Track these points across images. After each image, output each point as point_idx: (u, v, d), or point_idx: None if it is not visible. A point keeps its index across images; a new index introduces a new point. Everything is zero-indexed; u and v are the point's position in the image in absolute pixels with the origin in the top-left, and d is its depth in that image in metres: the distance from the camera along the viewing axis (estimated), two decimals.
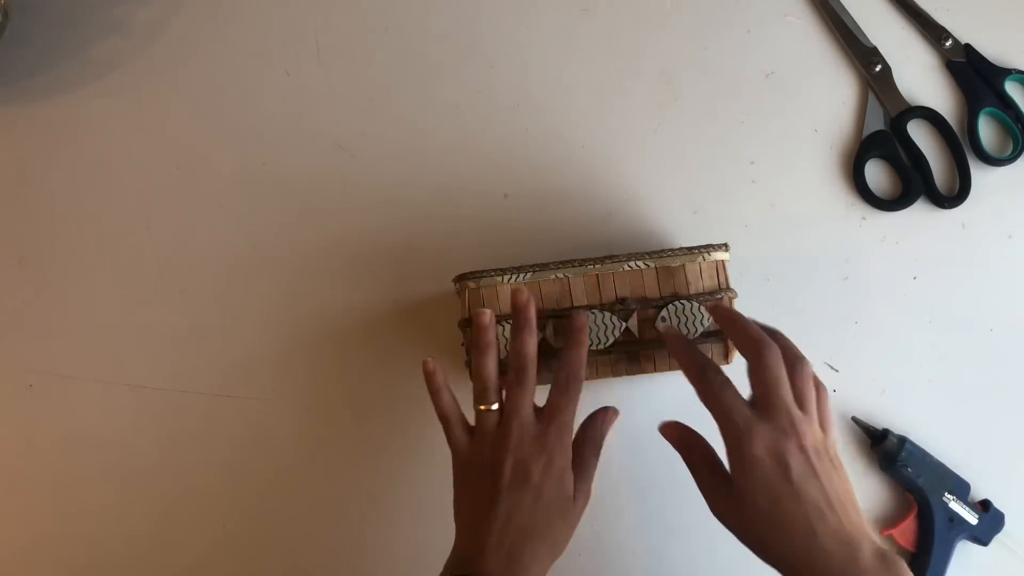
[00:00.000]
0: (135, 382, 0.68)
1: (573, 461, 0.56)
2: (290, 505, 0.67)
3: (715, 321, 0.59)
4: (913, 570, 0.63)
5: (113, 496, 0.67)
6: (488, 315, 0.59)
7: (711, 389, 0.54)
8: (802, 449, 0.51)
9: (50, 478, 0.68)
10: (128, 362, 0.68)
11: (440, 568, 0.54)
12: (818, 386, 0.55)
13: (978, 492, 0.65)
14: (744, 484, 0.51)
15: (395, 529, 0.67)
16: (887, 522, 0.65)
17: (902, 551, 0.64)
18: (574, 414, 0.57)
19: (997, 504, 0.64)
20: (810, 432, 0.52)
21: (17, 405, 0.68)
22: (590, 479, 0.57)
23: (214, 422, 0.68)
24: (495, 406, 0.57)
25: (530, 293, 0.59)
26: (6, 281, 0.70)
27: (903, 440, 0.64)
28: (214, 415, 0.68)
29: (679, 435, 0.57)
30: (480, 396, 0.58)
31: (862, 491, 0.66)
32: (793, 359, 0.54)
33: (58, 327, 0.69)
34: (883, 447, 0.64)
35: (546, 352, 0.62)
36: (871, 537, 0.51)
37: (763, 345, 0.53)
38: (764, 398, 0.52)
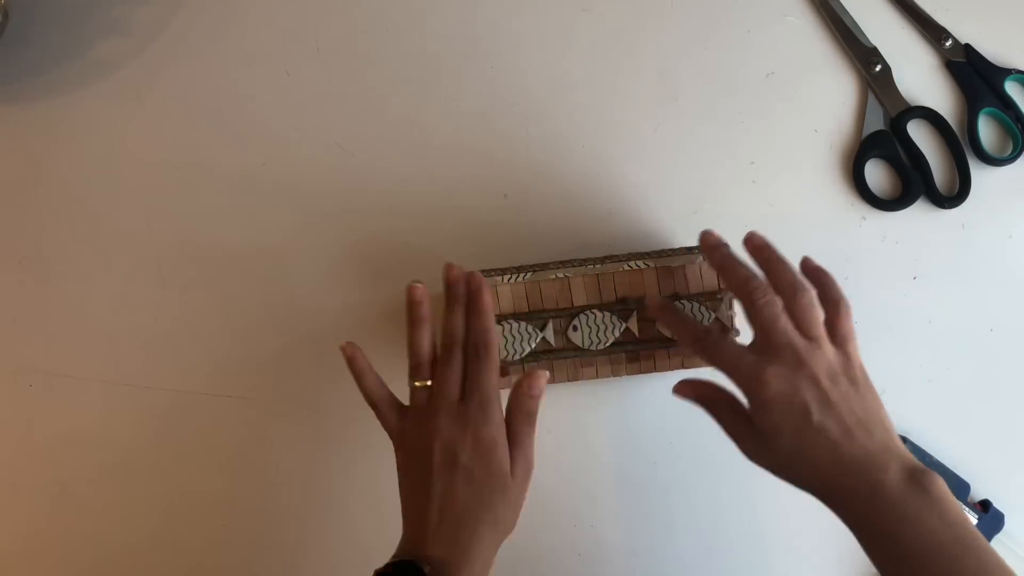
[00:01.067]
0: (135, 382, 0.68)
1: (508, 434, 0.55)
2: (290, 505, 0.67)
3: (711, 266, 0.57)
4: None
5: (113, 496, 0.67)
6: (420, 289, 0.58)
7: (711, 347, 0.54)
8: (813, 379, 0.51)
9: (50, 478, 0.68)
10: (128, 362, 0.68)
11: None
12: (836, 302, 0.54)
13: (978, 492, 0.65)
14: (765, 426, 0.51)
15: (395, 529, 0.67)
16: None
17: None
18: (494, 385, 0.56)
19: (997, 504, 0.64)
20: (820, 358, 0.51)
21: (17, 405, 0.68)
22: (527, 452, 0.56)
23: (214, 422, 0.68)
24: (429, 382, 0.57)
25: (462, 270, 0.58)
26: (6, 281, 0.70)
27: (903, 439, 0.64)
28: (214, 415, 0.68)
29: (695, 391, 0.57)
30: (413, 372, 0.57)
31: None
32: (791, 290, 0.53)
33: (58, 327, 0.69)
34: None
35: (546, 352, 0.62)
36: (900, 453, 0.50)
37: (751, 285, 0.53)
38: (764, 338, 0.52)
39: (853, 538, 0.66)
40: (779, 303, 0.53)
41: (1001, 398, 0.67)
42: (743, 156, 0.70)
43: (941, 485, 0.49)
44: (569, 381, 0.63)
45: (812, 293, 0.54)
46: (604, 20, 0.72)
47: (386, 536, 0.67)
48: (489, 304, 0.58)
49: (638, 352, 0.62)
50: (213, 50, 0.72)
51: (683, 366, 0.62)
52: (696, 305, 0.62)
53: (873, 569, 0.66)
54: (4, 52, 0.72)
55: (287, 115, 0.71)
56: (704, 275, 0.62)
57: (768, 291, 0.53)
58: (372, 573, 0.52)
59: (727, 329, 0.62)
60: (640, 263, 0.62)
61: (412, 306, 0.58)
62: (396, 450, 0.57)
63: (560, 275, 0.62)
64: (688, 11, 0.72)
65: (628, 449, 0.67)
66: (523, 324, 0.62)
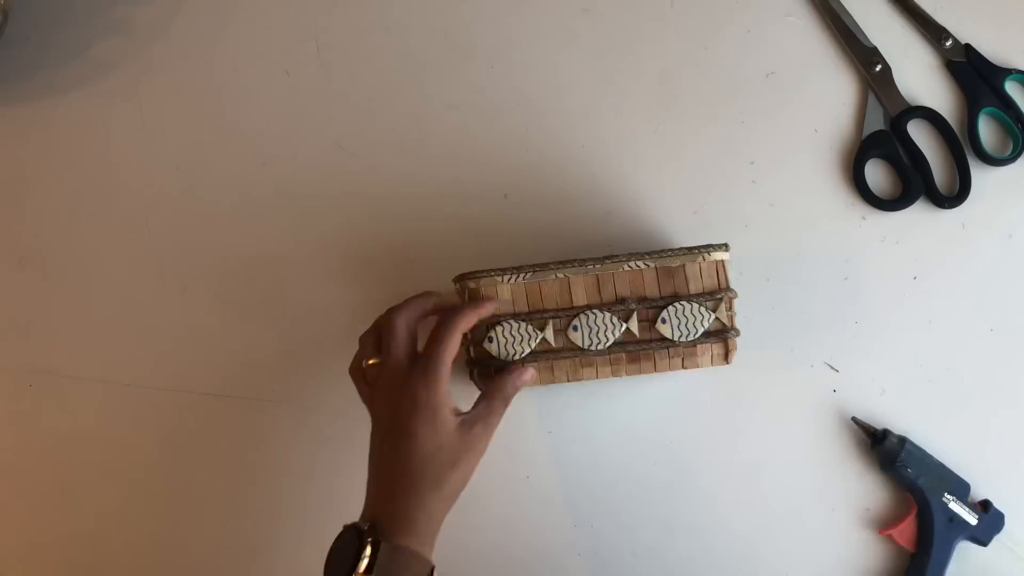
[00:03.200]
0: (135, 382, 0.68)
1: (477, 404, 0.57)
2: (290, 505, 0.67)
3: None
4: (913, 570, 0.63)
5: (113, 496, 0.67)
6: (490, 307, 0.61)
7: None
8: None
9: (50, 478, 0.68)
10: (128, 362, 0.68)
11: None
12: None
13: (978, 492, 0.65)
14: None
15: None
16: (887, 522, 0.65)
17: (902, 551, 0.64)
18: (444, 356, 0.56)
19: (997, 504, 0.64)
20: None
21: (17, 405, 0.68)
22: (489, 425, 0.56)
23: (214, 422, 0.68)
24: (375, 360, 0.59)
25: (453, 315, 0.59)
26: (6, 281, 0.70)
27: (903, 440, 0.64)
28: (214, 415, 0.68)
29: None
30: (362, 350, 0.60)
31: (862, 491, 0.66)
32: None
33: (58, 327, 0.69)
34: (883, 447, 0.64)
35: (547, 352, 0.62)
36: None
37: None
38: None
39: (853, 538, 0.66)
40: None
41: (1001, 398, 0.67)
42: (743, 156, 0.70)
43: None
44: (569, 381, 0.63)
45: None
46: (604, 20, 0.72)
47: None
48: (484, 304, 0.60)
49: (638, 352, 0.62)
50: (213, 50, 0.72)
51: (683, 366, 0.62)
52: (696, 306, 0.62)
53: (874, 568, 0.66)
54: (4, 52, 0.72)
55: (287, 115, 0.71)
56: (704, 275, 0.62)
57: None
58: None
59: (725, 328, 0.62)
60: (640, 263, 0.62)
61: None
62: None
63: (560, 275, 0.62)
64: (688, 11, 0.72)
65: (628, 449, 0.67)
66: (523, 324, 0.62)
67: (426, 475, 0.53)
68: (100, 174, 0.71)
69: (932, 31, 0.71)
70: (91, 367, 0.68)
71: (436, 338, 0.57)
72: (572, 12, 0.72)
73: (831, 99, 0.71)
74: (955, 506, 0.63)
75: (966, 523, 0.63)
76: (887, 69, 0.70)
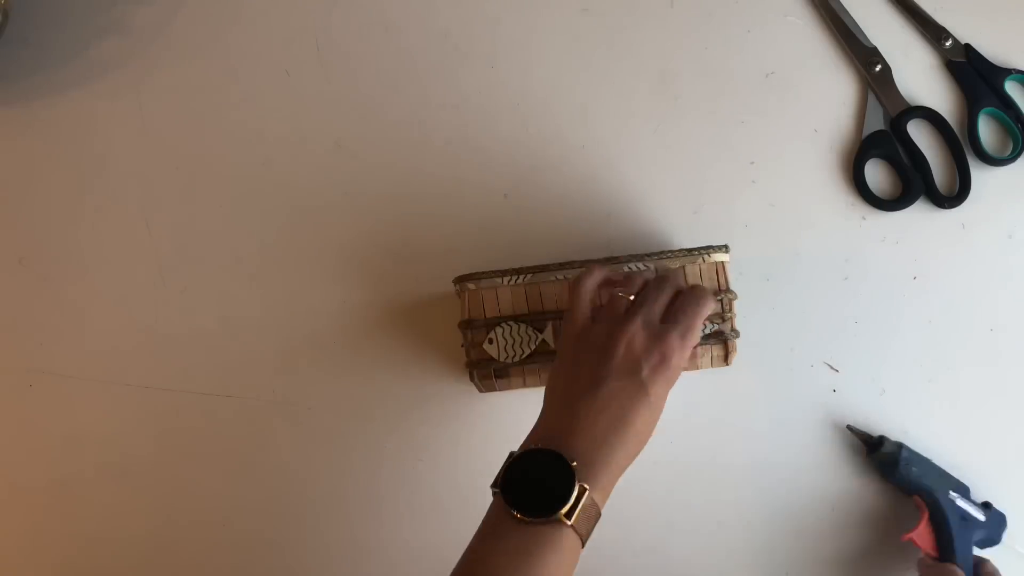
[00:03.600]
0: (135, 382, 0.68)
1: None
2: (290, 505, 0.67)
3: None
4: None
5: (113, 496, 0.67)
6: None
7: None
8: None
9: (50, 478, 0.68)
10: (128, 362, 0.68)
11: None
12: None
13: (978, 493, 0.65)
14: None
15: (394, 529, 0.67)
16: (902, 529, 0.63)
17: (904, 553, 0.64)
18: (700, 326, 0.56)
19: (997, 505, 0.64)
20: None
21: (17, 405, 0.68)
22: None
23: (214, 422, 0.68)
24: (632, 297, 0.56)
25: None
26: (6, 281, 0.70)
27: (900, 445, 0.64)
28: (214, 415, 0.68)
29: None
30: (623, 284, 0.58)
31: (862, 491, 0.66)
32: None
33: (58, 327, 0.69)
34: (882, 453, 0.64)
35: (546, 353, 0.62)
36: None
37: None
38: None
39: (853, 538, 0.66)
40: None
41: (1001, 398, 0.67)
42: (743, 156, 0.70)
43: None
44: None
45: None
46: (604, 20, 0.72)
47: (386, 536, 0.67)
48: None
49: None
50: (213, 50, 0.72)
51: (683, 368, 0.62)
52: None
53: (874, 568, 0.66)
54: (4, 52, 0.72)
55: (287, 115, 0.71)
56: (704, 277, 0.62)
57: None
58: (509, 454, 0.52)
59: (725, 330, 0.62)
60: (640, 264, 0.62)
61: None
62: (567, 340, 0.57)
63: (560, 277, 0.62)
64: (688, 11, 0.72)
65: None
66: (523, 326, 0.62)
67: (642, 435, 0.52)
68: (100, 174, 0.71)
69: (932, 31, 0.71)
70: (91, 367, 0.68)
71: (699, 310, 0.56)
72: (572, 12, 0.72)
73: (831, 99, 0.71)
74: (962, 503, 0.63)
75: (976, 520, 0.63)
76: (887, 69, 0.70)
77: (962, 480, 0.64)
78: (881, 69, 0.70)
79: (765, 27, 0.71)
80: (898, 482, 0.64)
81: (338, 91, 0.71)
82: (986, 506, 0.64)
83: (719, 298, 0.62)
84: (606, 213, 0.69)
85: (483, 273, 0.62)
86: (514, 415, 0.67)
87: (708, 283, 0.62)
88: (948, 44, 0.70)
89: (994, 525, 0.63)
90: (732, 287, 0.63)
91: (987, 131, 0.70)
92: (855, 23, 0.71)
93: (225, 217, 0.70)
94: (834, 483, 0.66)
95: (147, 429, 0.68)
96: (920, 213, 0.69)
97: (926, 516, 0.63)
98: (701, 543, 0.66)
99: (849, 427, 0.66)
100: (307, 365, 0.68)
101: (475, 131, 0.70)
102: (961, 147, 0.69)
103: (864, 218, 0.69)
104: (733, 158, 0.70)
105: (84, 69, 0.72)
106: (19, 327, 0.69)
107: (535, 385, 0.62)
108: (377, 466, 0.67)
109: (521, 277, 0.62)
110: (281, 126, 0.71)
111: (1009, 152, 0.69)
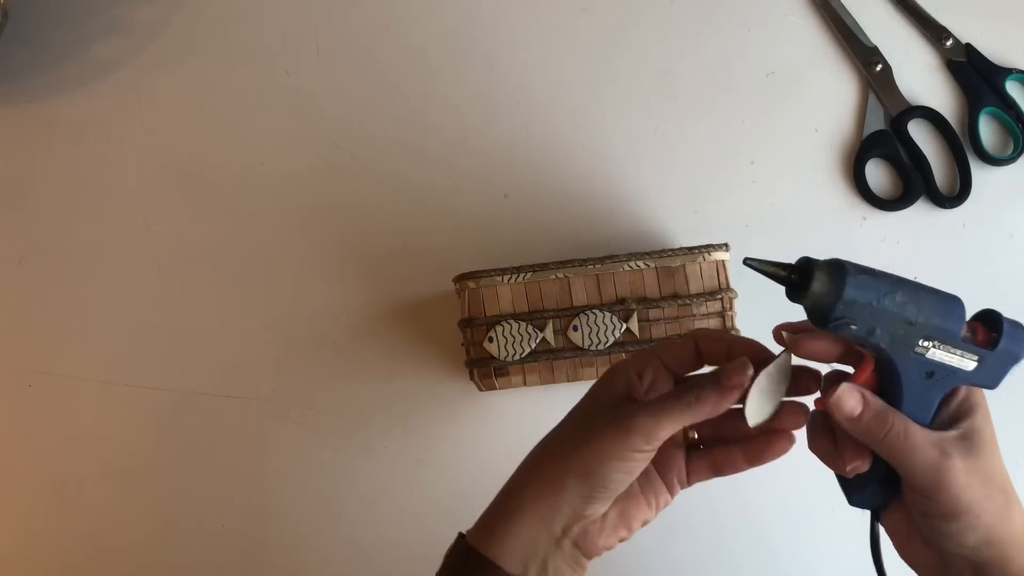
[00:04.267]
0: (135, 382, 0.68)
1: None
2: (290, 505, 0.67)
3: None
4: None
5: (113, 496, 0.67)
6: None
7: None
8: None
9: (50, 478, 0.68)
10: (128, 362, 0.68)
11: None
12: None
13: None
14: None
15: (394, 530, 0.67)
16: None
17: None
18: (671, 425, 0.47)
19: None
20: None
21: (17, 405, 0.68)
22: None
23: (214, 422, 0.68)
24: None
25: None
26: (6, 281, 0.70)
27: (839, 272, 0.41)
28: (214, 415, 0.68)
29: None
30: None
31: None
32: None
33: (58, 327, 0.69)
34: (807, 296, 0.42)
35: (546, 352, 0.62)
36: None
37: None
38: None
39: (853, 539, 0.66)
40: None
41: (1001, 398, 0.67)
42: (743, 156, 0.70)
43: None
44: (569, 381, 0.63)
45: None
46: (604, 20, 0.72)
47: (386, 536, 0.67)
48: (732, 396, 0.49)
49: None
50: (213, 50, 0.72)
51: None
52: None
53: (874, 569, 0.66)
54: (4, 52, 0.72)
55: (287, 115, 0.71)
56: (704, 275, 0.62)
57: None
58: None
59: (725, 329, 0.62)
60: (640, 263, 0.62)
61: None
62: None
63: (560, 275, 0.62)
64: (688, 11, 0.72)
65: None
66: (523, 324, 0.62)
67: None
68: (100, 174, 0.71)
69: (932, 31, 0.71)
70: (91, 367, 0.68)
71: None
72: (572, 12, 0.72)
73: (831, 99, 0.71)
74: (939, 354, 0.44)
75: (957, 372, 0.45)
76: (887, 69, 0.70)
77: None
78: (882, 69, 0.70)
79: (766, 27, 0.71)
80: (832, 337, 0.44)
81: (338, 91, 0.71)
82: (992, 327, 0.46)
83: (719, 297, 0.62)
84: (606, 212, 0.69)
85: (483, 271, 0.62)
86: (514, 414, 0.67)
87: (708, 282, 0.62)
88: (949, 44, 0.70)
89: (995, 364, 0.46)
90: (732, 286, 0.63)
91: (988, 131, 0.70)
92: (856, 23, 0.71)
93: (225, 217, 0.70)
94: (834, 483, 0.66)
95: (147, 429, 0.68)
96: (920, 213, 0.69)
97: (869, 370, 0.45)
98: (701, 543, 0.66)
99: (746, 260, 0.44)
100: (307, 365, 0.68)
101: (475, 131, 0.71)
102: (962, 147, 0.69)
103: (864, 218, 0.69)
104: (733, 158, 0.70)
105: (84, 69, 0.72)
106: (19, 327, 0.69)
107: (535, 383, 0.62)
108: (377, 466, 0.67)
109: (521, 275, 0.62)
110: (281, 126, 0.71)
111: (1010, 152, 0.69)
